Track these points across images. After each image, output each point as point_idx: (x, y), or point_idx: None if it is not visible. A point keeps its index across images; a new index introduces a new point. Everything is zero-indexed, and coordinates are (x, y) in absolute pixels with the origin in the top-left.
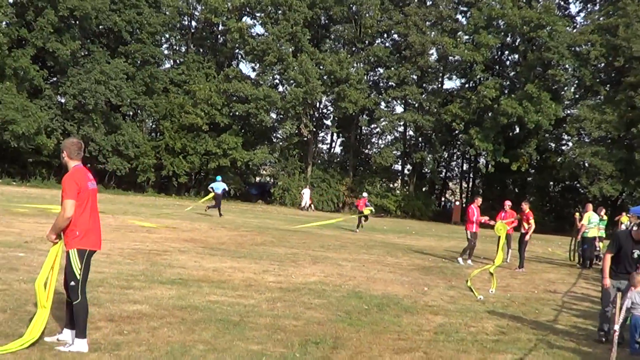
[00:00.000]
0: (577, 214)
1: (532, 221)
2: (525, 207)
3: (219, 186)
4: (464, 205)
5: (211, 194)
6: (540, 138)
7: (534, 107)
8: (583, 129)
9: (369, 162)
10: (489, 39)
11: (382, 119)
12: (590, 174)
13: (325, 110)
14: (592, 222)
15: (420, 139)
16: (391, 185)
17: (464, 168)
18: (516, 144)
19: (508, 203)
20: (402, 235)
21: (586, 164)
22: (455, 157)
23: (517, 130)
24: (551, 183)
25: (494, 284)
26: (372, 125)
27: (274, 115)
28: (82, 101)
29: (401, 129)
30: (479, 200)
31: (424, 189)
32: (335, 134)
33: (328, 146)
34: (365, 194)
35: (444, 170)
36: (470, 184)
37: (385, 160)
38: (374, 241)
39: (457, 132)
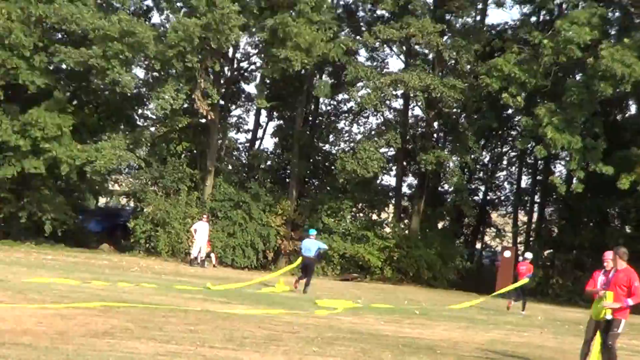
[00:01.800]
0: None
1: None
2: None
3: (311, 246)
4: (519, 256)
5: (298, 260)
6: None
7: None
8: None
9: (330, 171)
10: None
11: (359, 84)
12: None
13: (245, 65)
14: None
15: (435, 124)
16: (375, 217)
17: (523, 185)
18: (629, 139)
19: (624, 250)
20: (393, 318)
21: None
22: (505, 163)
23: (633, 109)
24: None
25: None
26: (340, 96)
27: (140, 73)
28: None
29: (398, 104)
30: None
31: (440, 225)
32: (264, 113)
33: (249, 137)
34: (529, 255)
35: (483, 188)
36: (535, 215)
37: (363, 167)
38: (337, 329)
39: (510, 111)
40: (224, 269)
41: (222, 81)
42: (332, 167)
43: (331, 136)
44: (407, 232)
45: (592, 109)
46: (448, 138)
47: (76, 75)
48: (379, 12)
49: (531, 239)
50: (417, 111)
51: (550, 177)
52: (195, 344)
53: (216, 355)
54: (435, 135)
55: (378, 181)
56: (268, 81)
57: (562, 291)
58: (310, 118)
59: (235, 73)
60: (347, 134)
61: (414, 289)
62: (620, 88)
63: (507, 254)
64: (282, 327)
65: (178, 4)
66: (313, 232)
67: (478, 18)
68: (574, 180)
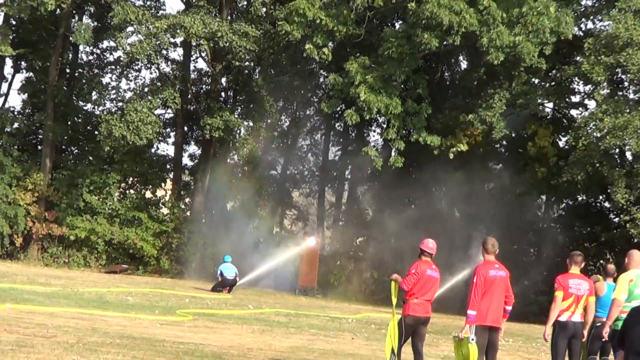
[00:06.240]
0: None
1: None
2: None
3: (230, 269)
4: (325, 246)
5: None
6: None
7: None
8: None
9: (93, 136)
10: None
11: (128, 29)
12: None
13: None
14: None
15: (224, 80)
16: (149, 195)
17: (331, 157)
18: (460, 103)
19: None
20: (172, 320)
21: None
22: (309, 129)
23: (464, 66)
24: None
25: None
26: (105, 44)
27: None
28: None
29: (177, 54)
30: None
31: (229, 205)
32: (9, 63)
33: None
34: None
35: (282, 161)
36: (345, 195)
37: (134, 133)
38: (103, 333)
39: (315, 66)
40: None
41: None
42: (96, 132)
43: (94, 93)
44: (189, 213)
45: (415, 64)
46: (239, 98)
47: None
48: None
49: (340, 223)
50: (201, 64)
51: (364, 148)
52: None
53: None
54: (223, 94)
55: (153, 150)
56: (14, 22)
57: (377, 288)
58: (67, 70)
59: None
60: (114, 91)
61: (197, 284)
62: (448, 40)
63: (312, 241)
64: (34, 329)
65: None
66: (229, 258)
67: None
68: (393, 153)
